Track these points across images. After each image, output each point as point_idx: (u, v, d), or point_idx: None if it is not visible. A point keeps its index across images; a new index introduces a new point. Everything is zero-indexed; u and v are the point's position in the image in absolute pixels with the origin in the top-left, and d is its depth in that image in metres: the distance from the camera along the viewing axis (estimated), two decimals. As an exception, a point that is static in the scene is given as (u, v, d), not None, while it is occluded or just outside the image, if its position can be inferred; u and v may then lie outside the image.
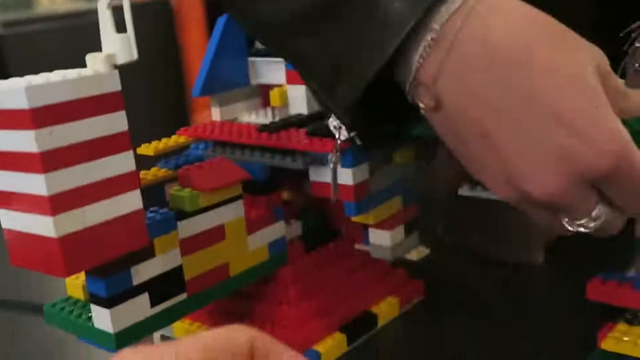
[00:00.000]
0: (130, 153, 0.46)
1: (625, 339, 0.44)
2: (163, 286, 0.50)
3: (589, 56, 0.39)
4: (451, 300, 0.64)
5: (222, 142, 0.60)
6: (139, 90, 2.28)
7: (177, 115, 2.57)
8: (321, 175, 0.56)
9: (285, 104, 0.62)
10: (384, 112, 0.47)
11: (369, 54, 0.41)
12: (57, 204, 0.42)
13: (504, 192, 0.41)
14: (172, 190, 0.52)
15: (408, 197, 0.62)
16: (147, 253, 0.49)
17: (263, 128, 0.58)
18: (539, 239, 0.65)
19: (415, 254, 0.70)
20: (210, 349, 0.28)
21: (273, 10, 0.45)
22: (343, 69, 0.43)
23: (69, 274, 0.44)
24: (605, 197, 0.39)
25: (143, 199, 0.52)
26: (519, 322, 0.59)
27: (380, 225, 0.60)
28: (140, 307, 0.49)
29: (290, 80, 0.60)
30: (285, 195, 0.62)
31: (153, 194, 0.57)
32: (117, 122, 0.45)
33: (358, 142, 0.49)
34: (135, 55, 0.45)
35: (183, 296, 0.51)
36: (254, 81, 0.64)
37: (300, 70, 0.48)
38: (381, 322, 0.61)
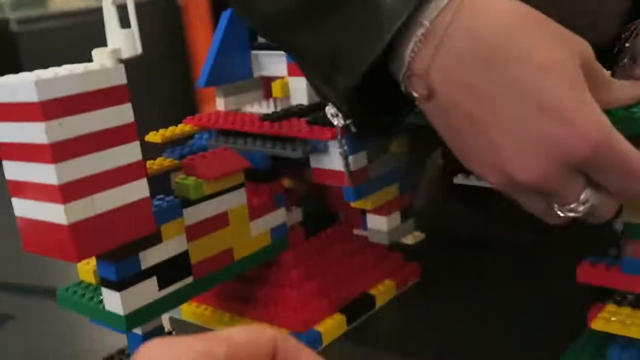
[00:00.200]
0: (137, 144, 0.45)
1: (614, 319, 0.43)
2: (170, 270, 0.50)
3: (572, 47, 0.39)
4: (445, 282, 0.64)
5: (226, 131, 0.59)
6: (149, 83, 2.28)
7: (186, 106, 2.57)
8: (322, 162, 0.56)
9: (286, 95, 0.61)
10: (380, 102, 0.47)
11: (364, 47, 0.41)
12: (67, 192, 0.42)
13: (495, 179, 0.41)
14: (178, 179, 0.52)
15: (404, 184, 0.61)
16: (154, 239, 0.48)
17: (265, 117, 0.58)
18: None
19: (411, 239, 0.70)
20: (235, 345, 0.28)
21: (274, 4, 0.45)
22: (340, 60, 0.43)
23: (79, 259, 0.44)
24: (592, 182, 0.39)
25: (150, 187, 0.52)
26: (511, 303, 0.59)
27: (377, 210, 0.59)
28: (148, 290, 0.49)
29: (291, 73, 0.60)
30: (286, 183, 0.62)
31: (159, 183, 0.56)
32: (123, 114, 0.44)
33: (353, 129, 0.49)
34: (139, 50, 0.45)
35: (189, 280, 0.51)
36: (256, 73, 0.64)
37: (300, 61, 0.48)
38: (379, 304, 0.61)
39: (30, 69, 0.44)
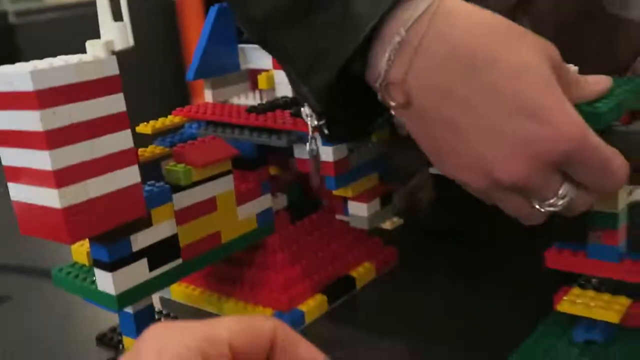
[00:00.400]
0: (128, 132, 0.45)
1: (579, 301, 0.44)
2: (160, 252, 0.50)
3: (542, 50, 0.39)
4: (422, 265, 0.64)
5: (214, 122, 0.59)
6: (143, 75, 2.26)
7: (178, 97, 2.55)
8: (305, 152, 0.56)
9: (272, 87, 0.61)
10: (355, 109, 0.46)
11: (338, 49, 0.41)
12: (61, 177, 0.42)
13: (476, 182, 0.40)
14: (168, 166, 0.52)
15: (384, 173, 0.61)
16: (145, 223, 0.48)
17: (251, 109, 0.57)
18: None
19: (390, 224, 0.70)
20: (237, 331, 0.28)
21: (259, 4, 0.45)
22: (317, 61, 0.43)
23: (72, 241, 0.43)
24: (569, 177, 0.39)
25: (141, 174, 0.52)
26: (484, 286, 0.59)
27: (358, 197, 0.59)
28: (139, 271, 0.49)
29: (276, 66, 0.60)
30: (273, 170, 0.62)
31: (150, 170, 0.56)
32: (116, 103, 0.44)
33: (325, 131, 0.48)
34: (131, 42, 0.44)
35: (178, 261, 0.51)
36: (243, 66, 0.63)
37: (282, 61, 0.47)
38: (359, 285, 0.62)
39: (28, 60, 0.43)
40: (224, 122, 0.58)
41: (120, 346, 0.54)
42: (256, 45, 0.62)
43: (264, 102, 0.60)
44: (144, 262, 0.49)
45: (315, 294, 0.58)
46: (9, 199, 0.45)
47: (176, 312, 0.59)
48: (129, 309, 0.50)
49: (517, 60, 0.38)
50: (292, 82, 0.46)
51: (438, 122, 0.40)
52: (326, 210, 0.64)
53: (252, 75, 0.64)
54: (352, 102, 0.46)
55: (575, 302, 0.44)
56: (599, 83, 0.42)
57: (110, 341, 0.56)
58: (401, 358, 0.52)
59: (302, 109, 0.49)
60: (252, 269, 0.59)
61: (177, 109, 0.62)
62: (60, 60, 0.42)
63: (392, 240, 0.66)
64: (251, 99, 0.62)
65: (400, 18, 0.39)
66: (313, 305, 0.57)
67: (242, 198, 0.56)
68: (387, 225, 0.70)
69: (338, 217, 0.65)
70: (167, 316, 0.57)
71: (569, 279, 0.46)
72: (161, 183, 0.51)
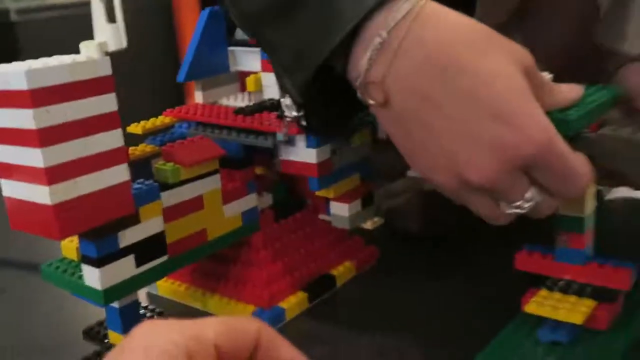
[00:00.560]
0: (119, 131, 0.45)
1: (545, 303, 0.44)
2: (147, 249, 0.50)
3: (515, 56, 0.39)
4: (400, 264, 0.65)
5: (203, 123, 0.60)
6: (140, 74, 2.25)
7: (175, 96, 2.54)
8: (289, 153, 0.56)
9: (260, 89, 0.61)
10: (335, 104, 0.47)
11: (320, 46, 0.42)
12: (52, 175, 0.42)
13: (447, 182, 0.41)
14: (157, 164, 0.52)
15: (366, 174, 0.62)
16: (133, 220, 0.48)
17: (239, 111, 0.58)
18: None
19: (371, 224, 0.71)
20: (222, 331, 0.28)
21: (251, 3, 0.45)
22: (301, 56, 0.43)
23: (62, 237, 0.44)
24: (536, 182, 0.40)
25: (132, 172, 0.52)
26: (459, 286, 0.60)
27: (340, 198, 0.60)
28: (126, 267, 0.49)
29: (264, 68, 0.60)
30: (259, 170, 0.62)
31: (141, 168, 0.56)
32: (107, 102, 0.44)
33: (303, 122, 0.49)
34: (124, 44, 0.45)
35: (165, 258, 0.51)
36: (233, 68, 0.64)
37: (270, 54, 0.48)
38: (339, 283, 0.62)
39: (29, 57, 0.43)
40: (212, 123, 0.59)
41: (106, 340, 0.54)
42: (246, 48, 0.62)
43: (251, 103, 0.60)
44: (130, 258, 0.49)
45: (297, 292, 0.59)
46: (0, 195, 0.45)
47: (163, 307, 0.59)
48: (115, 304, 0.50)
49: (491, 67, 0.38)
50: (277, 74, 0.47)
51: (414, 122, 0.40)
52: (310, 209, 0.65)
53: (242, 77, 0.64)
54: (332, 98, 0.46)
55: (542, 304, 0.44)
56: (571, 91, 0.43)
57: (97, 335, 0.55)
58: (379, 354, 0.53)
59: (281, 99, 0.50)
60: (237, 265, 0.60)
61: (168, 109, 0.62)
62: (55, 60, 0.43)
63: (372, 239, 0.67)
64: (240, 100, 0.63)
65: (382, 19, 0.40)
66: (294, 302, 0.58)
67: (228, 197, 0.56)
68: (368, 225, 0.70)
69: (321, 216, 0.65)
70: (153, 311, 0.57)
71: (540, 281, 0.47)
72: (150, 181, 0.51)
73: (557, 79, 0.43)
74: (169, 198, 0.51)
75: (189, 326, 0.28)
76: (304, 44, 0.43)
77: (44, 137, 0.41)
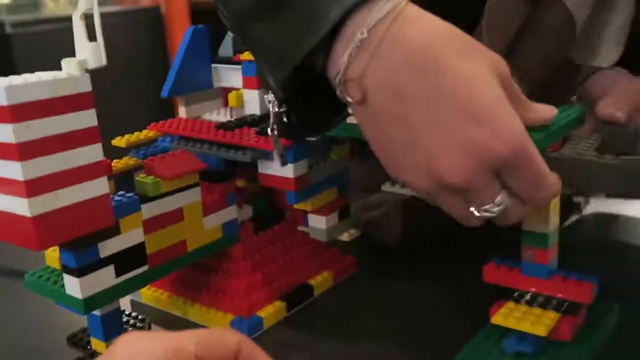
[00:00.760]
0: (99, 145, 0.45)
1: (512, 315, 0.44)
2: (127, 259, 0.49)
3: (491, 62, 0.39)
4: (376, 274, 0.65)
5: (185, 137, 0.59)
6: (130, 87, 2.24)
7: (165, 111, 2.53)
8: (267, 168, 0.56)
9: (241, 104, 0.61)
10: (315, 103, 0.46)
11: (300, 45, 0.41)
12: (31, 187, 0.41)
13: (421, 181, 0.40)
14: (138, 177, 0.52)
15: (343, 188, 0.62)
16: (113, 231, 0.48)
17: (220, 126, 0.58)
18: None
19: (347, 236, 0.70)
20: (204, 343, 0.28)
21: (239, 3, 0.45)
22: (281, 55, 0.43)
23: (40, 248, 0.43)
24: (507, 187, 0.40)
25: (115, 184, 0.52)
26: (432, 297, 0.60)
27: (317, 211, 0.60)
28: (106, 277, 0.48)
29: (245, 85, 0.60)
30: (239, 183, 0.62)
31: (124, 180, 0.56)
32: (87, 118, 0.44)
33: (284, 119, 0.48)
34: (104, 62, 0.44)
35: (145, 268, 0.51)
36: (216, 84, 0.64)
37: (252, 51, 0.47)
38: (316, 292, 0.62)
39: (24, 70, 0.43)
40: (194, 137, 0.59)
41: (89, 347, 0.53)
42: (228, 65, 0.62)
43: (233, 118, 0.60)
44: (110, 269, 0.48)
45: (275, 301, 0.58)
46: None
47: (145, 314, 0.59)
48: (96, 312, 0.49)
49: (468, 70, 0.38)
50: (260, 72, 0.46)
51: (391, 120, 0.40)
52: (289, 221, 0.64)
53: (224, 93, 0.64)
54: (311, 99, 0.46)
55: (508, 315, 0.44)
56: (547, 111, 0.43)
57: (81, 341, 0.55)
58: (355, 360, 0.52)
59: (265, 96, 0.49)
60: (217, 275, 0.59)
61: (152, 124, 0.62)
62: (36, 76, 0.42)
63: (349, 251, 0.66)
64: (222, 115, 0.62)
65: (363, 18, 0.39)
66: (271, 312, 0.57)
67: (208, 209, 0.56)
68: (344, 237, 0.70)
69: (300, 228, 0.65)
70: (136, 318, 0.57)
71: (508, 293, 0.47)
72: (131, 194, 0.51)
73: (531, 90, 0.43)
74: (150, 210, 0.51)
75: (170, 338, 0.28)
76: (287, 41, 0.42)
77: (24, 151, 0.41)
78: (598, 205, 0.76)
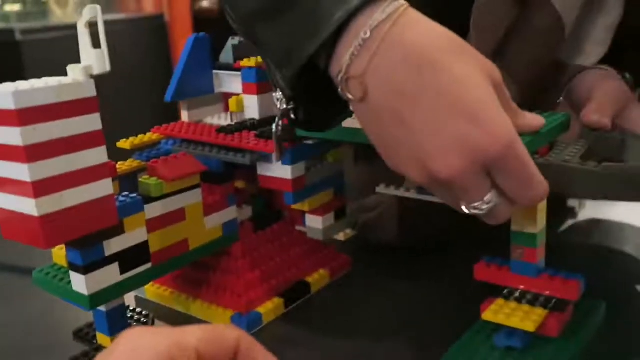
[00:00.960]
0: (103, 148, 0.45)
1: (501, 311, 0.44)
2: (131, 257, 0.49)
3: (485, 67, 0.39)
4: (372, 272, 0.65)
5: (187, 140, 0.59)
6: (135, 92, 2.24)
7: (170, 114, 2.52)
8: (266, 170, 0.56)
9: (241, 109, 0.61)
10: (319, 102, 0.46)
11: (306, 44, 0.41)
12: (38, 188, 0.41)
13: (416, 175, 0.40)
14: (141, 178, 0.52)
15: (339, 190, 0.62)
16: (117, 230, 0.48)
17: (221, 130, 0.57)
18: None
19: (343, 236, 0.70)
20: (205, 339, 0.28)
21: (246, 5, 0.45)
22: (288, 54, 0.43)
23: (48, 246, 0.43)
24: (497, 186, 0.40)
25: (120, 184, 0.51)
26: (426, 296, 0.60)
27: (314, 211, 0.60)
28: (111, 274, 0.48)
29: (245, 91, 0.60)
30: (239, 184, 0.62)
31: (128, 181, 0.56)
32: (92, 122, 0.44)
33: (292, 116, 0.48)
34: (108, 68, 0.44)
35: (148, 266, 0.51)
36: (217, 90, 0.63)
37: (260, 51, 0.47)
38: (314, 290, 0.62)
39: (33, 75, 0.43)
40: (196, 140, 0.58)
41: (95, 341, 0.53)
42: (229, 72, 0.62)
43: (233, 122, 0.60)
44: (115, 266, 0.48)
45: (273, 298, 0.58)
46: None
47: (149, 310, 0.59)
48: (102, 308, 0.49)
49: (462, 71, 0.38)
50: (269, 71, 0.46)
51: (390, 117, 0.40)
52: (287, 221, 0.64)
53: (225, 98, 0.64)
54: (315, 98, 0.46)
55: (498, 312, 0.44)
56: (535, 120, 0.43)
57: (86, 336, 0.55)
58: (351, 357, 0.52)
59: (273, 94, 0.49)
60: (217, 273, 0.59)
61: (156, 127, 0.62)
62: (42, 82, 0.42)
63: (345, 250, 0.66)
64: (223, 120, 0.62)
65: (366, 19, 0.40)
66: (270, 308, 0.57)
67: (209, 209, 0.56)
68: (340, 237, 0.70)
69: (298, 227, 0.65)
70: (140, 314, 0.57)
71: (499, 291, 0.47)
72: (135, 194, 0.50)
73: (522, 90, 0.42)
74: (153, 210, 0.51)
75: (172, 333, 0.28)
76: (293, 42, 0.42)
77: (31, 154, 0.41)
78: (588, 209, 0.76)
